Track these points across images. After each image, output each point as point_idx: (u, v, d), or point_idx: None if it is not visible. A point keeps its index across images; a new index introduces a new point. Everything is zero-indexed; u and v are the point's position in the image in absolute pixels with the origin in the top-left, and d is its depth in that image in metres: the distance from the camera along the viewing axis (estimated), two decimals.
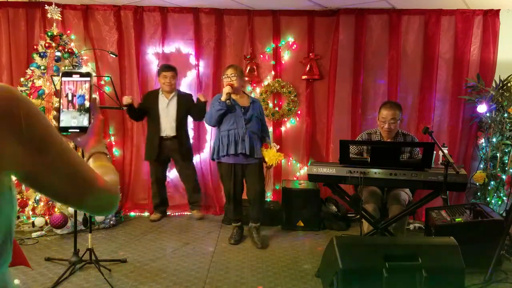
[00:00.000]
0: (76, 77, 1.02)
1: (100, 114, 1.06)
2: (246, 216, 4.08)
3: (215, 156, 3.85)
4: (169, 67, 4.40)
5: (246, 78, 4.72)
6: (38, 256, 3.46)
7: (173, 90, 4.42)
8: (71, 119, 1.01)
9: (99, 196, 0.88)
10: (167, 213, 4.78)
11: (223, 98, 3.63)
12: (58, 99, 1.03)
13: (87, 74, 1.03)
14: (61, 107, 1.01)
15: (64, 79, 1.02)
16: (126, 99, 4.22)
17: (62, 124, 1.01)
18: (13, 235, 0.80)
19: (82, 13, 4.63)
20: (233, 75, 3.73)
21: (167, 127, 4.40)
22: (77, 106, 1.02)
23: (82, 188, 0.84)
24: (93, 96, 1.04)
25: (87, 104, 1.02)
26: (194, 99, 4.52)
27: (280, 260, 3.54)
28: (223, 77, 3.83)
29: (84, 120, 1.02)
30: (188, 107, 4.45)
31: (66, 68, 4.15)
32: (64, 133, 1.02)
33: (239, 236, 3.98)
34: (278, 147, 3.95)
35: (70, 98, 1.02)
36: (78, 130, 1.02)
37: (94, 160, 1.01)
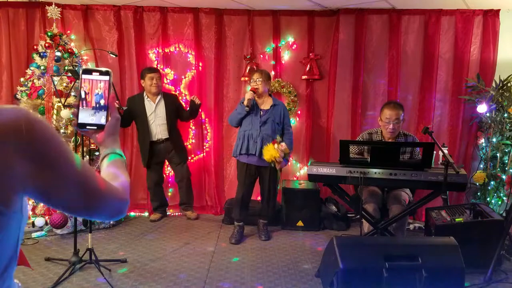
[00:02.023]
0: (95, 75, 1.04)
1: (117, 113, 1.07)
2: (250, 215, 4.14)
3: (234, 153, 4.04)
4: (153, 69, 4.41)
5: (246, 79, 4.73)
6: (38, 256, 3.46)
7: (160, 92, 4.40)
8: (89, 116, 1.04)
9: (109, 205, 0.89)
10: (167, 213, 4.78)
11: (245, 102, 3.79)
12: (78, 96, 1.06)
13: (107, 73, 1.05)
14: (80, 104, 1.03)
15: (84, 76, 1.04)
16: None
17: (80, 121, 1.03)
18: (19, 249, 0.83)
19: (82, 13, 4.62)
20: (259, 79, 3.86)
21: (159, 131, 4.38)
22: (94, 104, 1.04)
23: (93, 201, 0.85)
24: (111, 94, 1.05)
25: (104, 102, 1.04)
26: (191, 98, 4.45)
27: (280, 260, 3.54)
28: (250, 81, 3.97)
29: (101, 118, 1.04)
30: (175, 107, 4.45)
31: (67, 68, 4.14)
32: (82, 129, 1.04)
33: (240, 236, 4.00)
34: (285, 147, 3.71)
35: (88, 96, 1.04)
36: (95, 128, 1.04)
37: (108, 162, 1.02)
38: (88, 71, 1.04)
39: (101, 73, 1.05)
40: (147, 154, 4.40)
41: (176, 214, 4.83)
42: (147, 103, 4.36)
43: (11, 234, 0.77)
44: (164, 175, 4.76)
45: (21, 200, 0.77)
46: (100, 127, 1.04)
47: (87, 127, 1.04)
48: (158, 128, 4.37)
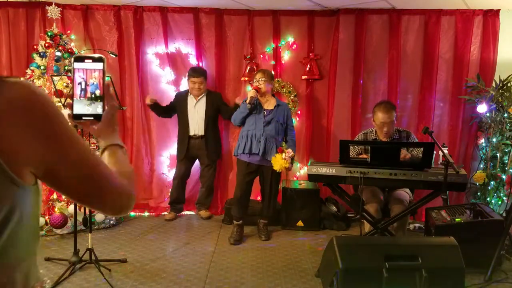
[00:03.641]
0: (88, 62, 0.98)
1: (114, 102, 1.02)
2: (249, 215, 4.14)
3: (235, 152, 4.06)
4: (198, 73, 4.42)
5: (246, 79, 4.73)
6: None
7: (202, 93, 4.46)
8: (84, 106, 0.98)
9: (117, 196, 0.88)
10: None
11: (247, 100, 3.83)
12: (71, 85, 1.01)
13: (100, 59, 0.99)
14: (74, 94, 0.98)
15: (76, 64, 0.98)
16: (148, 100, 4.38)
17: (75, 112, 0.98)
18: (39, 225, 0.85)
19: (82, 13, 4.62)
20: (261, 79, 3.90)
21: (196, 127, 4.46)
22: (90, 93, 0.98)
23: (101, 189, 0.84)
24: (106, 82, 1.00)
25: (100, 91, 0.99)
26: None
27: (280, 260, 3.54)
28: (253, 81, 4.01)
29: (97, 108, 0.99)
30: (217, 106, 4.51)
31: (67, 68, 4.14)
32: (78, 121, 0.99)
33: (239, 236, 3.99)
34: (292, 153, 3.77)
35: (83, 84, 0.98)
36: (92, 118, 0.99)
37: (109, 154, 0.98)
38: (80, 59, 0.98)
39: (94, 59, 0.98)
40: (184, 149, 4.47)
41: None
42: (190, 99, 4.48)
43: (32, 210, 0.77)
44: (190, 172, 4.69)
45: (34, 177, 0.77)
46: (97, 117, 0.99)
47: (83, 118, 0.99)
48: (196, 124, 4.46)
